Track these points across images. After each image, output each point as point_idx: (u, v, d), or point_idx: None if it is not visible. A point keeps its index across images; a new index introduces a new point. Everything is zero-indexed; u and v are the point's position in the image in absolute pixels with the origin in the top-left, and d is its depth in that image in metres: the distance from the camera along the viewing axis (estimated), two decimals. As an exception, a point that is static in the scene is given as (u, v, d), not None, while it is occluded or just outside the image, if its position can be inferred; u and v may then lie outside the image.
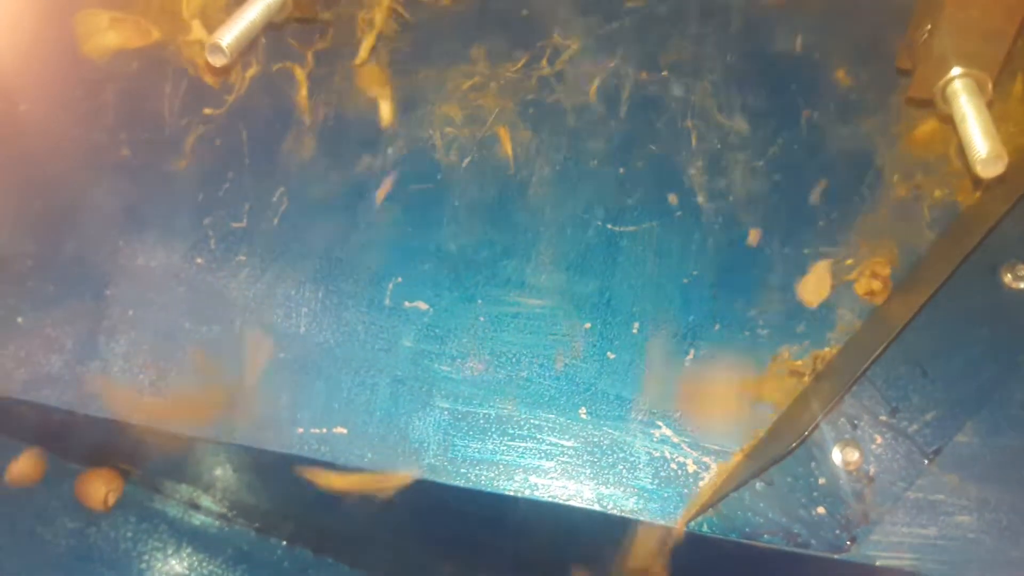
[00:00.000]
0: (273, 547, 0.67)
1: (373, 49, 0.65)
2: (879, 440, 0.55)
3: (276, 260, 0.61)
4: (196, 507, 0.66)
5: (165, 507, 0.66)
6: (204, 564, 0.65)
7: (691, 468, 0.55)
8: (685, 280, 0.59)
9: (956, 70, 0.50)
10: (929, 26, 0.50)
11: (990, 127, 0.47)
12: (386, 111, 0.65)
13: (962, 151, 0.50)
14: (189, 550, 0.65)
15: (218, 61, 0.51)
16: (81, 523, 0.62)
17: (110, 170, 0.64)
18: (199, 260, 0.61)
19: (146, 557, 0.63)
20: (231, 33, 0.51)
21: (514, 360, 0.58)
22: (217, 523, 0.67)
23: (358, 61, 0.64)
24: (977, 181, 0.54)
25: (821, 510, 0.54)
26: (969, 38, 0.48)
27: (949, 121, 0.51)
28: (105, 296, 0.60)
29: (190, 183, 0.63)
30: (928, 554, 0.53)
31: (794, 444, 0.53)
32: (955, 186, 0.60)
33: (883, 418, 0.56)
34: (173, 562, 0.64)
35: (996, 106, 0.55)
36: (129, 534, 0.64)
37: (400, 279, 0.60)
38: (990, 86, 0.50)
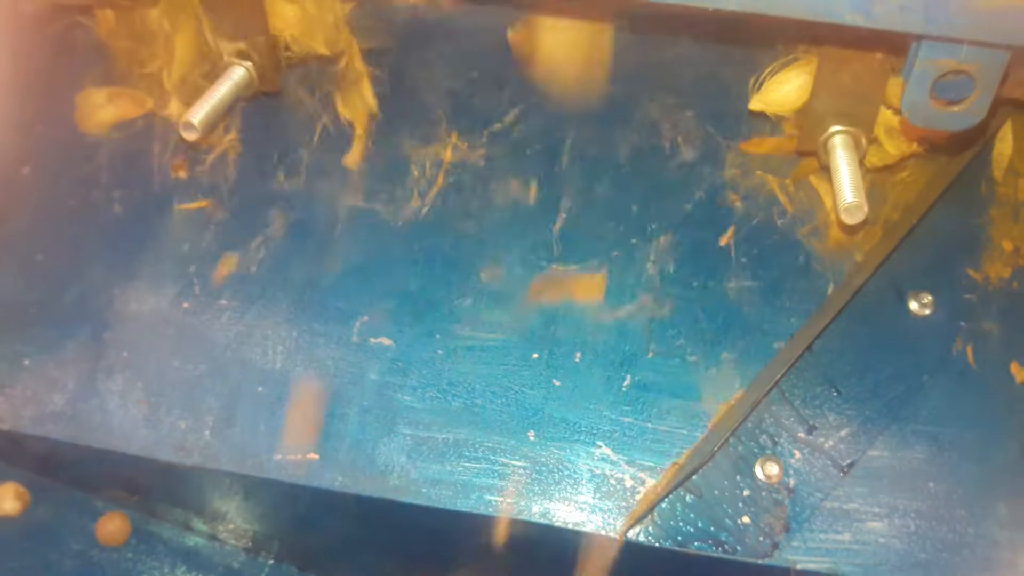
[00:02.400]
0: (261, 565, 0.73)
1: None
2: (798, 455, 0.61)
3: (254, 303, 0.67)
4: (189, 528, 0.72)
5: (160, 529, 0.72)
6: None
7: (628, 483, 0.61)
8: (621, 314, 0.65)
9: (834, 127, 0.56)
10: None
11: (859, 180, 0.53)
12: (355, 154, 0.71)
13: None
14: (183, 568, 0.71)
15: (190, 136, 0.58)
16: (85, 545, 0.69)
17: (105, 225, 0.71)
18: (185, 305, 0.68)
19: (143, 573, 0.70)
20: (202, 111, 0.58)
21: (469, 389, 0.64)
22: (208, 543, 0.73)
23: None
24: (843, 227, 0.60)
25: (746, 519, 0.60)
26: (844, 99, 0.54)
27: (827, 170, 0.57)
28: (103, 339, 0.67)
29: (176, 235, 0.70)
30: (844, 558, 0.59)
31: (710, 455, 0.58)
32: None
33: (801, 435, 0.62)
34: (169, 578, 0.70)
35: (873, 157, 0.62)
36: (129, 554, 0.70)
37: (366, 318, 0.67)
38: (864, 141, 0.56)
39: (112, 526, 0.70)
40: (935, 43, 0.46)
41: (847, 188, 0.53)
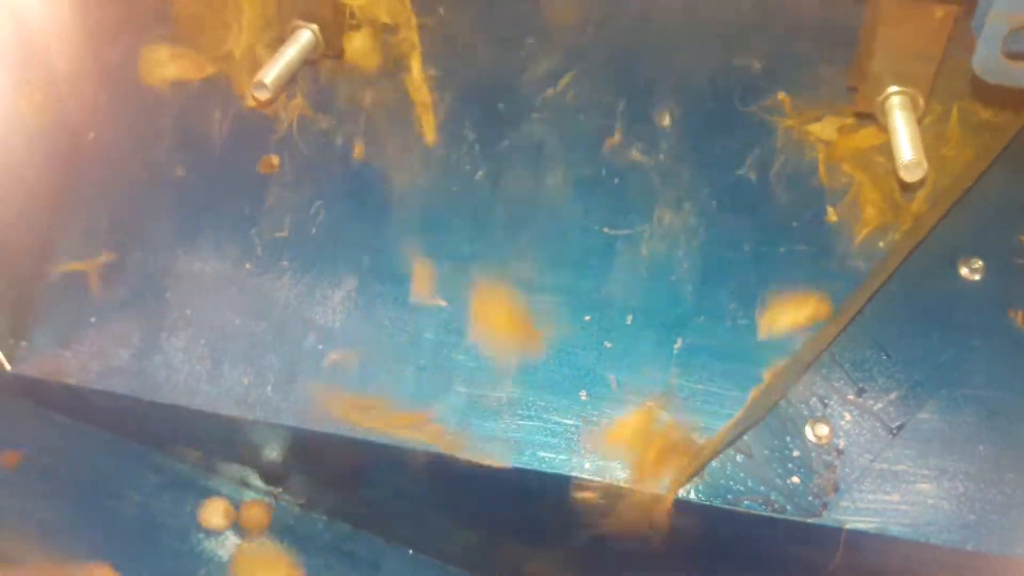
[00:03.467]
0: (314, 521, 0.75)
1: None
2: (847, 417, 0.62)
3: (314, 265, 0.69)
4: (246, 485, 0.75)
5: (219, 485, 0.74)
6: (251, 535, 0.73)
7: (679, 443, 0.62)
8: (673, 277, 0.66)
9: (892, 88, 0.56)
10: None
11: (917, 139, 0.54)
12: (429, 128, 0.73)
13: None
14: (233, 528, 0.73)
15: (262, 96, 0.60)
16: (147, 495, 0.71)
17: (168, 188, 0.73)
18: (248, 266, 0.69)
19: (204, 529, 0.72)
20: (273, 71, 0.60)
21: (523, 349, 0.65)
22: (264, 499, 0.75)
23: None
24: (904, 185, 0.61)
25: (795, 479, 0.61)
26: (901, 59, 0.55)
27: (886, 131, 0.58)
28: (166, 298, 0.69)
29: (238, 198, 0.71)
30: (892, 518, 0.60)
31: (763, 415, 0.59)
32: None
33: (851, 397, 0.62)
34: (229, 533, 0.72)
35: (935, 129, 0.62)
36: (188, 507, 0.72)
37: (423, 278, 0.68)
38: (922, 101, 0.57)
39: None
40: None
41: (906, 146, 0.54)
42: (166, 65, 0.71)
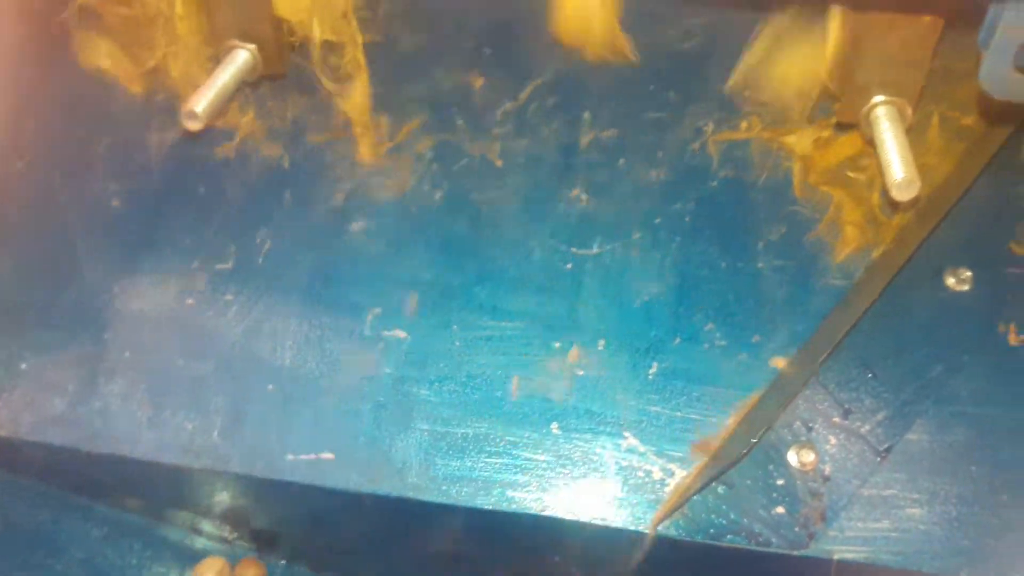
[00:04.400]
0: (272, 566, 0.71)
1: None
2: (833, 441, 0.59)
3: (261, 298, 0.65)
4: (197, 531, 0.70)
5: (167, 533, 0.69)
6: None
7: (657, 475, 0.58)
8: (646, 298, 0.62)
9: (878, 97, 0.53)
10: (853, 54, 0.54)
11: (907, 153, 0.51)
12: (365, 148, 0.69)
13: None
14: (191, 572, 0.68)
15: (194, 126, 0.55)
16: (89, 553, 0.66)
17: (103, 220, 0.68)
18: (189, 301, 0.65)
19: (153, 583, 0.67)
20: (205, 99, 0.55)
21: (489, 381, 0.61)
22: (218, 546, 0.70)
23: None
24: (894, 204, 0.58)
25: (780, 510, 0.57)
26: (889, 67, 0.52)
27: (872, 144, 0.55)
28: (103, 340, 0.64)
29: (177, 229, 0.67)
30: (883, 546, 0.56)
31: (749, 447, 0.56)
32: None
33: (836, 420, 0.59)
34: (179, 585, 0.68)
35: (916, 137, 0.59)
36: (135, 560, 0.67)
37: (379, 310, 0.64)
38: (910, 111, 0.54)
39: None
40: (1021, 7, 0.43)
41: (897, 163, 0.50)
42: (102, 58, 0.66)
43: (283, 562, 0.71)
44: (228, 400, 0.62)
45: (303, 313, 0.64)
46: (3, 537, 0.66)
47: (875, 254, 0.62)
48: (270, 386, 0.62)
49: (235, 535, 0.70)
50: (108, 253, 0.67)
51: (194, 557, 0.69)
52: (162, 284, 0.65)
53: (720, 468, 0.56)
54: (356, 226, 0.67)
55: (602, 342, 0.62)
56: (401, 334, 0.63)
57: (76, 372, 0.63)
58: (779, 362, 0.60)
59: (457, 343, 0.63)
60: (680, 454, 0.59)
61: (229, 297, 0.65)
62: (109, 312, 0.65)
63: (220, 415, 0.62)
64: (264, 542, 0.70)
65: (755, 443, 0.56)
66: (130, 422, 0.62)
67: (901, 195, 0.51)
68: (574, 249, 0.64)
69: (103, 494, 0.68)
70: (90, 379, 0.63)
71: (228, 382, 0.63)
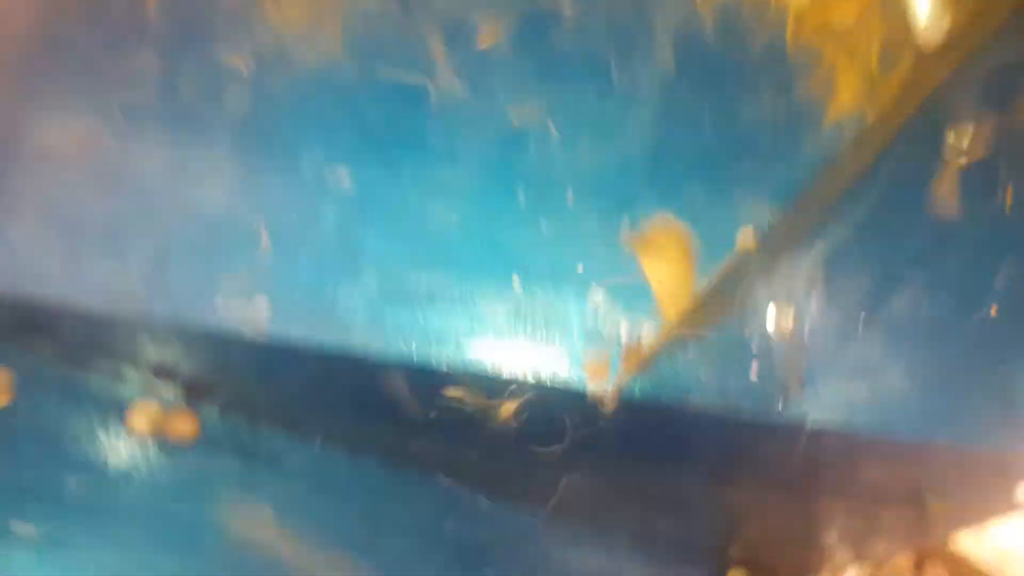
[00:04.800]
0: (204, 416, 0.66)
1: None
2: (814, 305, 0.55)
3: (184, 132, 0.56)
4: (121, 380, 0.64)
5: (88, 379, 0.64)
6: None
7: (624, 333, 0.54)
8: (620, 142, 0.56)
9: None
10: None
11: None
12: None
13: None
14: (115, 421, 0.63)
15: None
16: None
17: (10, 42, 0.58)
18: (105, 138, 0.56)
19: (70, 431, 0.62)
20: None
21: (443, 235, 0.55)
22: (145, 396, 0.65)
23: None
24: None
25: (754, 374, 0.54)
26: None
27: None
28: (6, 180, 0.56)
29: (94, 53, 0.57)
30: (859, 412, 0.54)
31: (725, 308, 0.52)
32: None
33: (818, 284, 0.55)
34: (103, 438, 0.63)
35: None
36: (53, 408, 0.62)
37: (318, 150, 0.57)
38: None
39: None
40: None
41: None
42: None
43: (217, 411, 0.66)
44: (151, 243, 0.55)
45: (234, 152, 0.56)
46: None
47: (869, 114, 0.56)
48: (196, 230, 0.55)
49: (163, 384, 0.65)
50: (12, 78, 0.57)
51: (118, 407, 0.64)
52: (75, 119, 0.56)
53: (693, 329, 0.52)
54: (288, 54, 0.58)
55: (570, 193, 0.56)
56: (344, 177, 0.56)
57: (-30, 204, 0.55)
58: (761, 222, 0.55)
59: (407, 190, 0.56)
60: (650, 312, 0.54)
61: (148, 131, 0.56)
62: (13, 149, 0.56)
63: (142, 259, 0.55)
64: (195, 392, 0.65)
65: (732, 304, 0.51)
66: (40, 264, 0.55)
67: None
68: (548, 87, 0.57)
69: (13, 339, 0.62)
70: (-11, 213, 0.55)
71: (150, 225, 0.55)
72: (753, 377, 0.54)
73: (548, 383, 0.54)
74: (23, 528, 0.59)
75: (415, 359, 0.53)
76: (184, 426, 0.65)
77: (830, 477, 0.60)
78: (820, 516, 0.69)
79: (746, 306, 0.54)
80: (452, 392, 0.56)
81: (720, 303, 0.54)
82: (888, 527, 0.69)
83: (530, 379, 0.54)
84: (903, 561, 0.87)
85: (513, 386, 0.54)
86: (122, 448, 0.63)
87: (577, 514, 0.75)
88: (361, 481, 0.70)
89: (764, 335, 0.54)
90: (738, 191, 0.54)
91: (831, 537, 0.72)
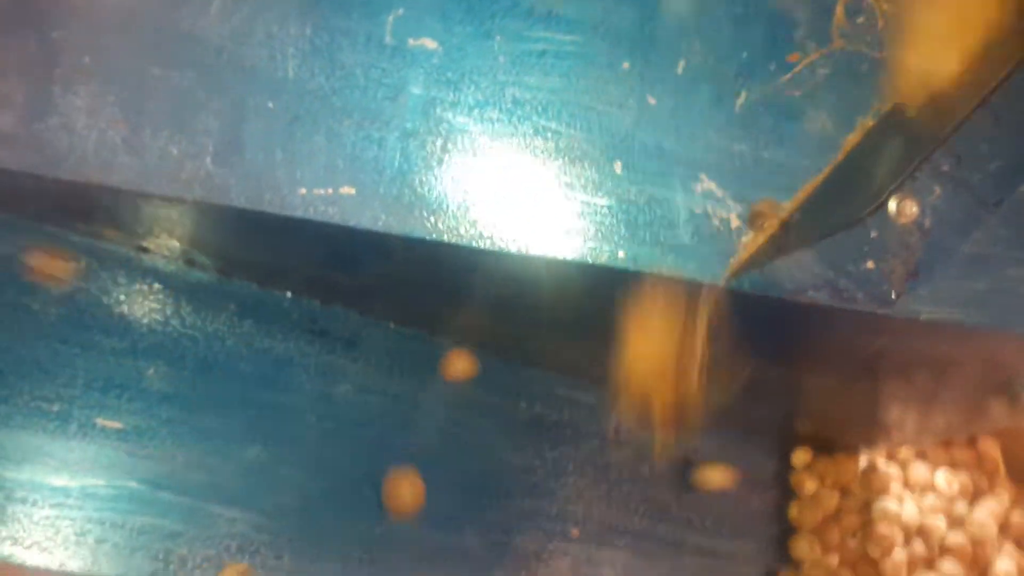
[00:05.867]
0: (278, 300, 0.64)
1: None
2: (938, 191, 0.51)
3: (253, -9, 0.51)
4: (191, 263, 0.62)
5: (155, 263, 0.61)
6: (207, 321, 0.61)
7: (735, 224, 0.51)
8: (737, 10, 0.51)
9: None
10: None
11: None
12: None
13: None
14: (188, 309, 0.61)
15: None
16: (68, 288, 0.58)
17: None
18: (167, 2, 0.51)
19: (143, 319, 0.60)
20: None
21: (540, 108, 0.51)
22: (216, 278, 0.62)
23: None
24: None
25: (870, 264, 0.51)
26: None
27: None
28: (52, 40, 0.50)
29: None
30: (975, 307, 0.51)
31: (865, 212, 0.48)
32: None
33: (945, 168, 0.51)
34: (173, 322, 0.61)
35: None
36: (122, 296, 0.60)
37: (401, 11, 0.51)
38: None
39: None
40: None
41: None
42: None
43: (289, 295, 0.64)
44: (220, 120, 0.51)
45: (306, 13, 0.51)
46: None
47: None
48: (270, 103, 0.51)
49: (234, 268, 0.62)
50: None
51: (189, 290, 0.61)
52: (122, -31, 0.51)
53: (818, 229, 0.48)
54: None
55: (681, 63, 0.51)
56: (431, 44, 0.51)
57: (23, 81, 0.51)
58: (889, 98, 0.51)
59: (501, 59, 0.51)
60: (763, 201, 0.51)
61: (211, -11, 0.51)
62: (58, 5, 0.51)
63: (212, 137, 0.51)
64: (269, 278, 0.63)
65: (875, 208, 0.48)
66: (101, 143, 0.51)
67: None
68: (651, -60, 0.51)
69: (75, 223, 0.59)
70: (43, 89, 0.51)
71: (218, 98, 0.51)
72: (870, 265, 0.51)
73: (648, 273, 0.51)
74: (109, 423, 0.58)
75: (504, 247, 0.50)
76: (263, 311, 0.63)
77: (932, 367, 0.59)
78: (905, 401, 0.68)
79: (867, 191, 0.50)
80: (541, 281, 0.54)
81: (842, 187, 0.50)
82: (971, 413, 0.68)
83: (628, 267, 0.51)
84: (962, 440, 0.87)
85: (616, 279, 0.51)
86: (198, 336, 0.61)
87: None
88: (437, 361, 0.68)
89: (884, 222, 0.51)
90: (868, 61, 0.49)
91: (912, 420, 0.71)
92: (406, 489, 0.65)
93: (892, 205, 0.50)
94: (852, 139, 0.51)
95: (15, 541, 0.54)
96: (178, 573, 0.58)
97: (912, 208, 0.50)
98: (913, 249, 0.51)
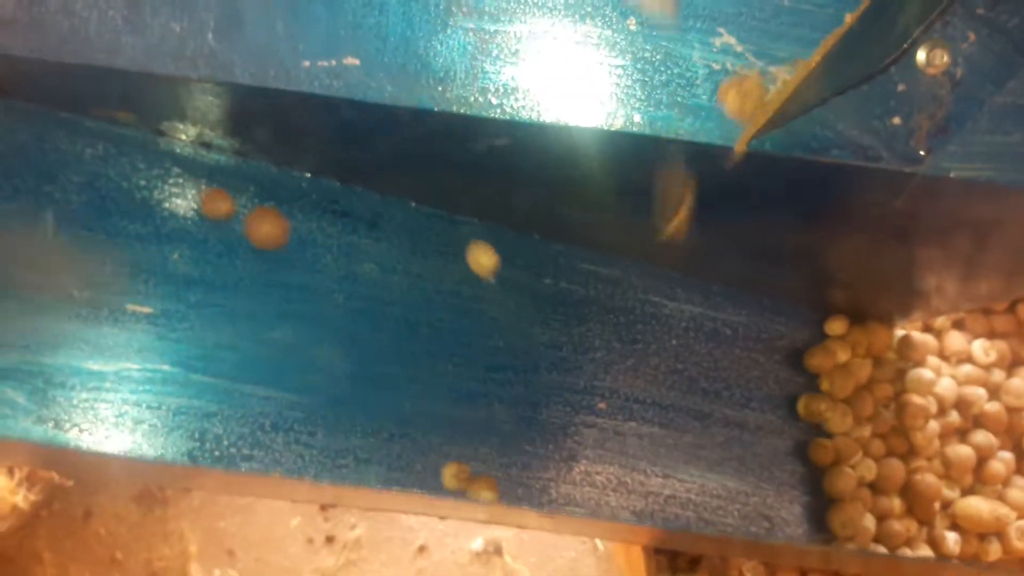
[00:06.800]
0: (297, 180, 0.64)
1: None
2: (972, 38, 0.48)
3: None
4: (207, 145, 0.61)
5: (173, 147, 0.61)
6: (229, 203, 0.62)
7: (756, 79, 0.49)
8: None
9: None
10: None
11: None
12: None
13: None
14: (209, 191, 0.61)
15: None
16: (87, 176, 0.58)
17: None
18: None
19: (164, 203, 0.60)
20: None
21: (547, -36, 0.49)
22: (233, 160, 0.62)
23: None
24: None
25: (897, 120, 0.49)
26: None
27: None
28: (47, -80, 0.49)
29: None
30: (1009, 163, 0.49)
31: (875, 48, 0.45)
32: None
33: (980, 11, 0.48)
34: (195, 205, 0.61)
35: None
36: (142, 181, 0.60)
37: None
38: None
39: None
40: None
41: None
42: None
43: (307, 175, 0.64)
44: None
45: None
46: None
47: None
48: (269, -26, 0.49)
49: (251, 148, 0.62)
50: None
51: (208, 174, 0.61)
52: None
53: (841, 82, 0.46)
54: None
55: (695, -92, 0.48)
56: (431, -101, 0.49)
57: (19, -40, 0.50)
58: (921, -66, 0.47)
59: (505, -89, 0.49)
60: (786, 55, 0.48)
61: None
62: None
63: (212, 12, 0.50)
64: (286, 158, 0.62)
65: (895, 57, 0.45)
66: (102, 24, 0.50)
67: None
68: None
69: (88, 107, 0.58)
70: (39, -31, 0.50)
71: (215, -30, 0.49)
72: (896, 121, 0.48)
73: (665, 136, 0.49)
74: (138, 308, 0.59)
75: (515, 115, 0.49)
76: (282, 193, 0.63)
77: (968, 228, 0.57)
78: (941, 266, 0.66)
79: (894, 41, 0.47)
80: (555, 150, 0.53)
81: (866, 36, 0.47)
82: (1013, 277, 0.66)
83: (645, 132, 0.49)
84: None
85: (633, 144, 0.49)
86: (220, 219, 0.61)
87: (679, 263, 0.73)
88: (459, 240, 0.68)
89: (912, 73, 0.48)
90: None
91: (950, 285, 0.69)
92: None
93: (921, 55, 0.48)
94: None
95: (56, 424, 0.57)
96: (214, 451, 0.60)
97: (943, 57, 0.47)
98: (943, 102, 0.48)
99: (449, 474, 0.66)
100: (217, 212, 0.61)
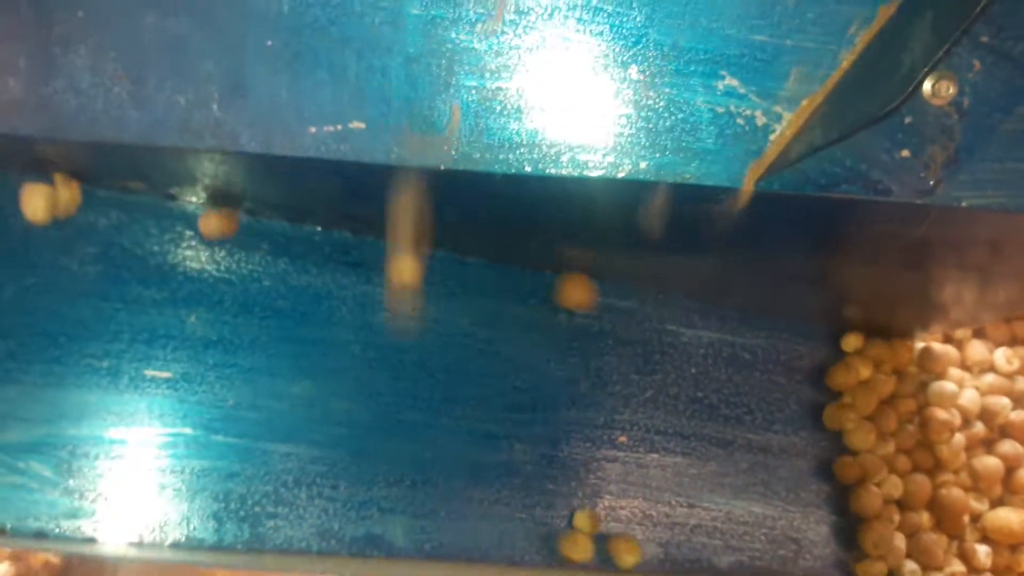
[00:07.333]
0: (309, 234, 0.64)
1: None
2: (977, 66, 0.48)
3: (237, -77, 0.49)
4: (217, 207, 0.62)
5: (185, 211, 0.61)
6: (241, 263, 0.62)
7: (760, 121, 0.49)
8: None
9: None
10: None
11: None
12: None
13: None
14: (222, 252, 0.62)
15: None
16: (101, 246, 0.59)
17: None
18: (148, -59, 0.49)
19: (178, 267, 0.61)
20: None
21: (545, 16, 0.49)
22: (245, 220, 0.63)
23: None
24: None
25: (905, 153, 0.48)
26: None
27: None
28: (57, 9, 0.49)
29: None
30: (1020, 189, 0.48)
31: (895, 101, 0.44)
32: None
33: (985, 39, 0.47)
34: (209, 267, 0.61)
35: None
36: (155, 247, 0.60)
37: (394, -72, 0.49)
38: None
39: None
40: None
41: None
42: None
43: (319, 228, 0.64)
44: (221, 63, 0.50)
45: (295, -58, 0.49)
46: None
47: None
48: (269, 41, 0.50)
49: (262, 208, 0.62)
50: None
51: (225, 241, 0.62)
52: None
53: (848, 124, 0.46)
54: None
55: (693, -46, 0.48)
56: (427, -40, 0.49)
57: (23, 44, 0.50)
58: (920, -33, 0.47)
59: (501, -35, 0.49)
60: (788, 93, 0.48)
61: (195, -73, 0.49)
62: (43, -40, 0.50)
63: (215, 83, 0.50)
64: (298, 214, 0.63)
65: (903, 99, 0.44)
66: (108, 100, 0.50)
67: None
68: None
69: (100, 179, 0.59)
70: (43, 51, 0.50)
71: (216, 40, 0.50)
72: (905, 154, 0.48)
73: (672, 181, 0.49)
74: (158, 374, 0.60)
75: (522, 170, 0.49)
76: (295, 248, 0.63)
77: (982, 248, 0.56)
78: (959, 282, 0.66)
79: (899, 73, 0.47)
80: (565, 199, 0.53)
81: (870, 71, 0.47)
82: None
83: (651, 178, 0.49)
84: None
85: (633, 185, 0.49)
86: (234, 278, 0.62)
87: (695, 291, 0.73)
88: (472, 280, 0.68)
89: (919, 105, 0.48)
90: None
91: (969, 299, 0.69)
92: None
93: (927, 86, 0.47)
94: (885, 10, 0.47)
95: (81, 495, 0.57)
96: (239, 511, 0.60)
97: (949, 88, 0.47)
98: (951, 132, 0.48)
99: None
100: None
